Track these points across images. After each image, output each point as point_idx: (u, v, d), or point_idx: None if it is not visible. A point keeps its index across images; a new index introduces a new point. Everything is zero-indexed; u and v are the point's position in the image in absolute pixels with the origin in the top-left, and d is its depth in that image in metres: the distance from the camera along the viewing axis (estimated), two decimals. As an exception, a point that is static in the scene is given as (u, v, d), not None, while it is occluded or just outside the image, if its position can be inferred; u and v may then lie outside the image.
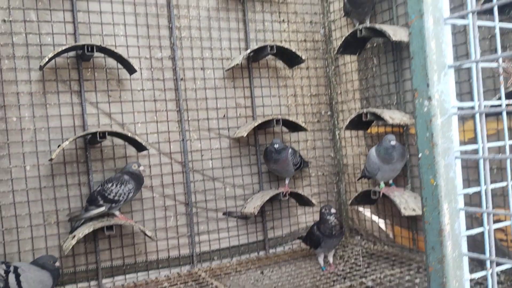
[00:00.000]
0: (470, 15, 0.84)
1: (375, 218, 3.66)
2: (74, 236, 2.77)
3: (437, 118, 0.76)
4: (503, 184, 0.88)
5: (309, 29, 3.89)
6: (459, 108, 0.82)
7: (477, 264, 2.37)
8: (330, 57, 3.92)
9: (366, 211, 3.74)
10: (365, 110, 3.15)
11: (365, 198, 3.41)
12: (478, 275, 0.84)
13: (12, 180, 2.89)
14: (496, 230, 2.60)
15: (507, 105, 0.85)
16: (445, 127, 0.76)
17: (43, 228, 2.96)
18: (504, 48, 2.60)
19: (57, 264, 2.75)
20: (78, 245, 3.02)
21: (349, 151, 3.85)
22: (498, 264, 0.85)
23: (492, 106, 1.01)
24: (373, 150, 3.12)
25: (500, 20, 0.86)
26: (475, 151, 0.84)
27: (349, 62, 3.76)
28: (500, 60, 0.90)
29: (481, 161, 0.80)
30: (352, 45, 3.42)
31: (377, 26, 3.05)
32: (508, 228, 2.59)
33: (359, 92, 3.70)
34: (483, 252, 0.83)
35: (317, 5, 3.91)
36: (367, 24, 3.23)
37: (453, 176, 0.77)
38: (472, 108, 0.84)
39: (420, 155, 0.80)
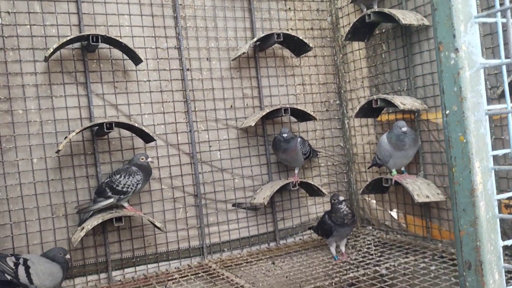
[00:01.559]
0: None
1: (386, 207, 3.60)
2: (83, 228, 2.74)
3: (465, 70, 0.71)
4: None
5: (316, 17, 3.83)
6: (486, 64, 0.77)
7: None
8: (337, 45, 3.86)
9: (378, 201, 3.68)
10: (375, 97, 3.09)
11: (376, 187, 3.35)
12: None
13: (19, 173, 2.87)
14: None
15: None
16: (474, 80, 0.71)
17: (52, 221, 2.93)
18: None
19: (67, 256, 2.73)
20: (87, 237, 3.00)
21: (358, 140, 3.79)
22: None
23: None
24: (384, 137, 3.06)
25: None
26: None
27: (357, 49, 3.70)
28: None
29: (510, 116, 0.74)
30: (360, 31, 3.36)
31: (386, 10, 2.99)
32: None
33: (368, 79, 3.64)
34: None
35: (323, -8, 3.85)
36: (375, 8, 3.17)
37: (483, 132, 0.72)
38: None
39: (447, 111, 0.75)
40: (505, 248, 1.86)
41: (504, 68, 0.81)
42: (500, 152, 0.78)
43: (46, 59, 2.82)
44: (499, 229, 0.76)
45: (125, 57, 3.11)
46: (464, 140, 0.71)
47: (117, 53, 3.11)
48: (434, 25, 0.77)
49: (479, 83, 0.72)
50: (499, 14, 0.82)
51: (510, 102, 0.80)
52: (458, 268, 0.81)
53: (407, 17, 2.95)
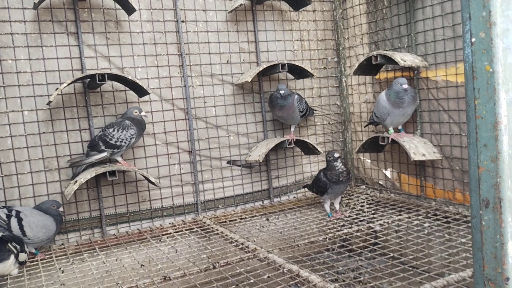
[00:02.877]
0: None
1: (381, 166, 3.59)
2: (76, 182, 2.70)
3: (497, -7, 0.65)
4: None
5: (315, -31, 3.69)
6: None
7: None
8: (337, 0, 3.74)
9: (372, 160, 3.67)
10: (375, 53, 3.02)
11: (372, 145, 3.33)
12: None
13: (10, 126, 2.79)
14: None
15: None
16: (505, 4, 0.66)
17: (44, 175, 2.89)
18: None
19: (61, 209, 2.70)
20: (80, 192, 2.97)
21: (355, 99, 3.74)
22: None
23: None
24: (383, 94, 3.02)
25: None
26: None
27: (358, 4, 3.59)
28: None
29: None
30: (362, -15, 3.25)
31: (390, -39, 2.88)
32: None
33: (368, 36, 3.55)
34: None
35: None
36: (379, -40, 3.05)
37: (511, 62, 0.67)
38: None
39: (473, 39, 0.69)
40: None
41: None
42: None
43: (35, 6, 2.70)
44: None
45: (118, 6, 2.98)
46: (491, 70, 0.67)
47: (109, 1, 2.99)
48: None
49: (510, 7, 0.67)
50: None
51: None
52: (471, 209, 0.78)
53: (411, -31, 2.84)
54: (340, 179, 2.94)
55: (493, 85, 0.67)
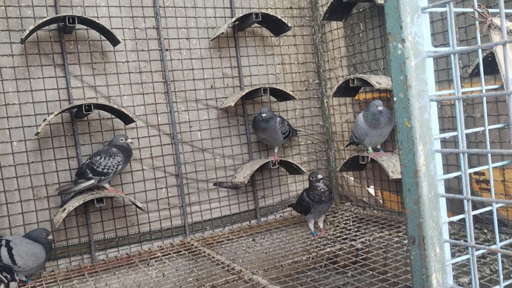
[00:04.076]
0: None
1: (364, 184, 3.69)
2: (64, 209, 2.77)
3: (411, 60, 0.76)
4: (480, 128, 0.89)
5: (294, -4, 3.83)
6: (434, 52, 0.82)
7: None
8: (316, 24, 3.88)
9: (355, 178, 3.77)
10: (352, 76, 3.14)
11: (353, 164, 3.43)
12: (455, 218, 0.86)
13: (-1, 156, 2.87)
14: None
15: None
16: (419, 69, 0.76)
17: (33, 203, 2.96)
18: None
19: (50, 237, 2.77)
20: (69, 218, 3.04)
21: (337, 118, 3.86)
22: (474, 208, 0.87)
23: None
24: (360, 116, 3.13)
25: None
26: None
27: (336, 28, 3.73)
28: (476, 3, 0.89)
29: (457, 102, 0.80)
30: (338, 10, 3.39)
31: (362, -11, 3.02)
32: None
33: (346, 59, 3.68)
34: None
35: (302, -29, 3.85)
36: (353, -12, 3.19)
37: (427, 118, 0.77)
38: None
39: (395, 98, 0.80)
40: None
41: (452, 56, 0.86)
42: (447, 135, 0.84)
43: (23, 41, 2.80)
44: (443, 206, 0.82)
45: (103, 38, 3.09)
46: (409, 125, 0.77)
47: (94, 33, 3.10)
48: (385, 16, 0.82)
49: (424, 71, 0.77)
50: (451, 4, 0.87)
51: (458, 87, 0.86)
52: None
53: (383, -3, 2.98)
54: (323, 198, 3.03)
55: (412, 138, 0.77)
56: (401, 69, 0.77)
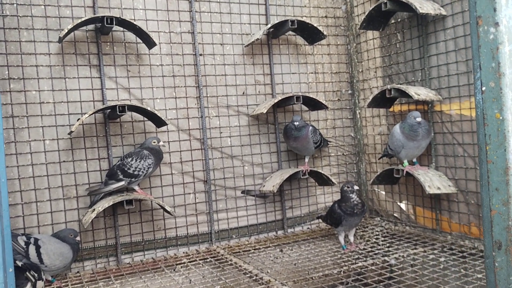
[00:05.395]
0: None
1: (396, 198, 3.58)
2: (94, 210, 2.75)
3: (505, 45, 0.69)
4: None
5: (330, 5, 3.79)
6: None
7: None
8: (351, 34, 3.82)
9: (387, 192, 3.66)
10: (389, 86, 3.06)
11: (387, 178, 3.34)
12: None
13: (31, 154, 2.87)
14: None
15: None
16: (514, 56, 0.69)
17: (63, 202, 2.95)
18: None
19: (78, 238, 2.74)
20: (97, 220, 3.01)
21: (369, 130, 3.77)
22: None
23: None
24: (397, 127, 3.04)
25: None
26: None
27: (372, 39, 3.67)
28: None
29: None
30: (376, 20, 3.33)
31: (403, -2, 2.95)
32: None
33: (382, 69, 3.61)
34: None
35: (339, -20, 3.81)
36: (392, -3, 3.13)
37: (520, 110, 0.71)
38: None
39: (483, 88, 0.73)
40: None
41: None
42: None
43: (60, 40, 2.81)
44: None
45: (139, 40, 3.09)
46: (501, 118, 0.70)
47: (130, 36, 3.10)
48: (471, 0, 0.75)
49: (518, 59, 0.71)
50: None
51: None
52: (485, 249, 0.80)
53: (424, 6, 2.91)
54: (355, 211, 2.94)
55: (503, 132, 0.70)
56: (493, 55, 0.70)
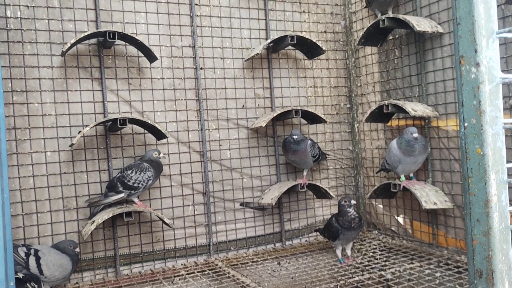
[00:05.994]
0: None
1: (393, 212, 3.61)
2: (94, 222, 2.78)
3: (485, 85, 0.73)
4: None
5: (329, 20, 3.85)
6: (503, 79, 0.79)
7: None
8: (350, 49, 3.87)
9: (384, 206, 3.69)
10: (386, 102, 3.11)
11: (384, 192, 3.37)
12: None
13: (33, 166, 2.91)
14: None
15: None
16: (493, 95, 0.73)
17: (63, 214, 2.97)
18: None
19: (77, 249, 2.77)
20: (97, 231, 3.04)
21: (367, 144, 3.81)
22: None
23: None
24: (394, 142, 3.08)
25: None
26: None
27: (370, 54, 3.72)
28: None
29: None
30: (374, 36, 3.38)
31: (401, 16, 3.00)
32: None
33: (379, 84, 3.65)
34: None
35: (338, -4, 3.87)
36: (390, 14, 3.18)
37: (500, 146, 0.74)
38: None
39: (465, 124, 0.77)
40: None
41: (521, 82, 0.82)
42: (514, 165, 0.81)
43: (63, 54, 2.86)
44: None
45: (140, 54, 3.14)
46: (481, 153, 0.74)
47: (132, 50, 3.15)
48: (456, 39, 0.79)
49: (498, 97, 0.74)
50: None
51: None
52: (469, 276, 0.83)
53: (421, 24, 2.96)
54: (352, 225, 2.97)
55: (484, 166, 0.74)
56: (474, 94, 0.74)
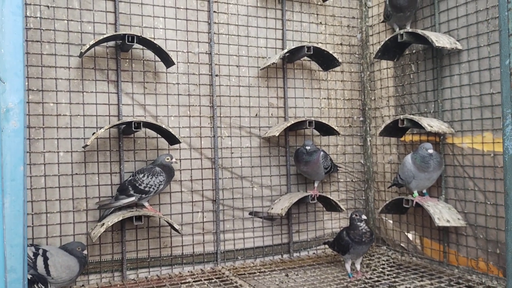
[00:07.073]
0: None
1: (403, 228, 3.57)
2: (103, 224, 2.76)
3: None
4: None
5: (346, 33, 3.85)
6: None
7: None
8: (365, 62, 3.86)
9: (395, 221, 3.65)
10: (402, 116, 3.08)
11: (395, 207, 3.33)
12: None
13: (45, 165, 2.90)
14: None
15: None
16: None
17: (72, 215, 2.96)
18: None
19: (85, 252, 2.75)
20: (105, 234, 3.02)
21: (379, 158, 3.78)
22: None
23: None
24: (408, 158, 3.05)
25: None
26: None
27: (385, 68, 3.70)
28: None
29: None
30: (391, 50, 3.37)
31: (420, 31, 2.99)
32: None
33: (394, 99, 3.63)
34: None
35: (355, 9, 3.88)
36: (409, 29, 3.18)
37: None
38: None
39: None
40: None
41: None
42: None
43: (81, 55, 2.87)
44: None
45: (157, 58, 3.14)
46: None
47: (149, 54, 3.15)
48: (507, 50, 0.77)
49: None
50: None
51: None
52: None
53: (440, 39, 2.94)
54: (363, 239, 2.93)
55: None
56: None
